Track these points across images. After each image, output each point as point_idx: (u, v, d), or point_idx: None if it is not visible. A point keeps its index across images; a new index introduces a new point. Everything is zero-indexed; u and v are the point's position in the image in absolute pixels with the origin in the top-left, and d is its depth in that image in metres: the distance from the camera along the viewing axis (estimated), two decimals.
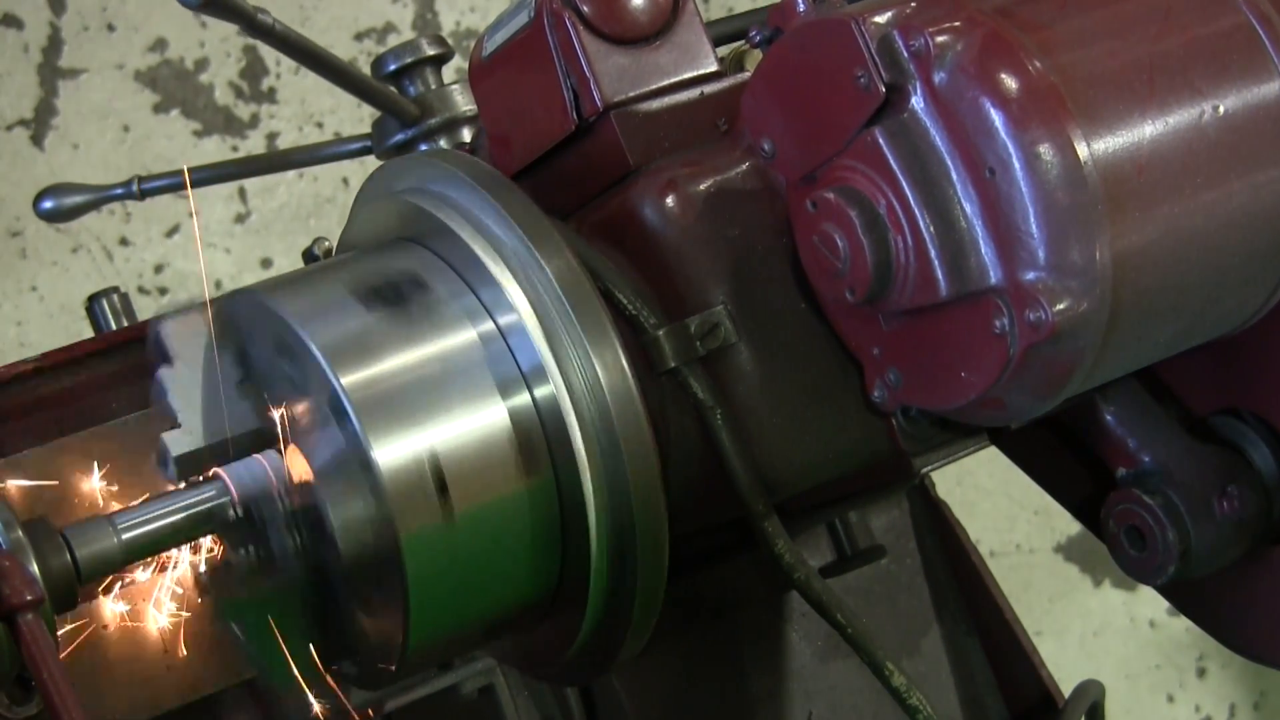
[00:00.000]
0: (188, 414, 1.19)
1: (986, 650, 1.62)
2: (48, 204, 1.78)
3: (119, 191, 1.81)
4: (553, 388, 1.15)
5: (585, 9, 1.28)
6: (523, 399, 1.15)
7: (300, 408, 1.14)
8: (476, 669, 1.48)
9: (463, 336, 1.16)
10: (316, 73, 1.66)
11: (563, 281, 1.15)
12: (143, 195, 1.80)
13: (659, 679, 1.46)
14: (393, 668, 1.17)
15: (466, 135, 1.75)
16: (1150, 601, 3.42)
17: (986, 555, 1.78)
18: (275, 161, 1.87)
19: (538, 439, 1.15)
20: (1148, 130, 1.11)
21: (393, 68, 1.76)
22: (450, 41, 2.03)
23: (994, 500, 3.31)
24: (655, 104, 1.29)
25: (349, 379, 1.11)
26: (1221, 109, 1.13)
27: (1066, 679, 1.63)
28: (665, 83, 1.30)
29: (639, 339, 1.22)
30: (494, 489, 1.14)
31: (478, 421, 1.14)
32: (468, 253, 1.18)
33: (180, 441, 1.19)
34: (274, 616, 1.17)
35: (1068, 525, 3.39)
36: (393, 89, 1.73)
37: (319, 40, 2.99)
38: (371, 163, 1.83)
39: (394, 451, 1.10)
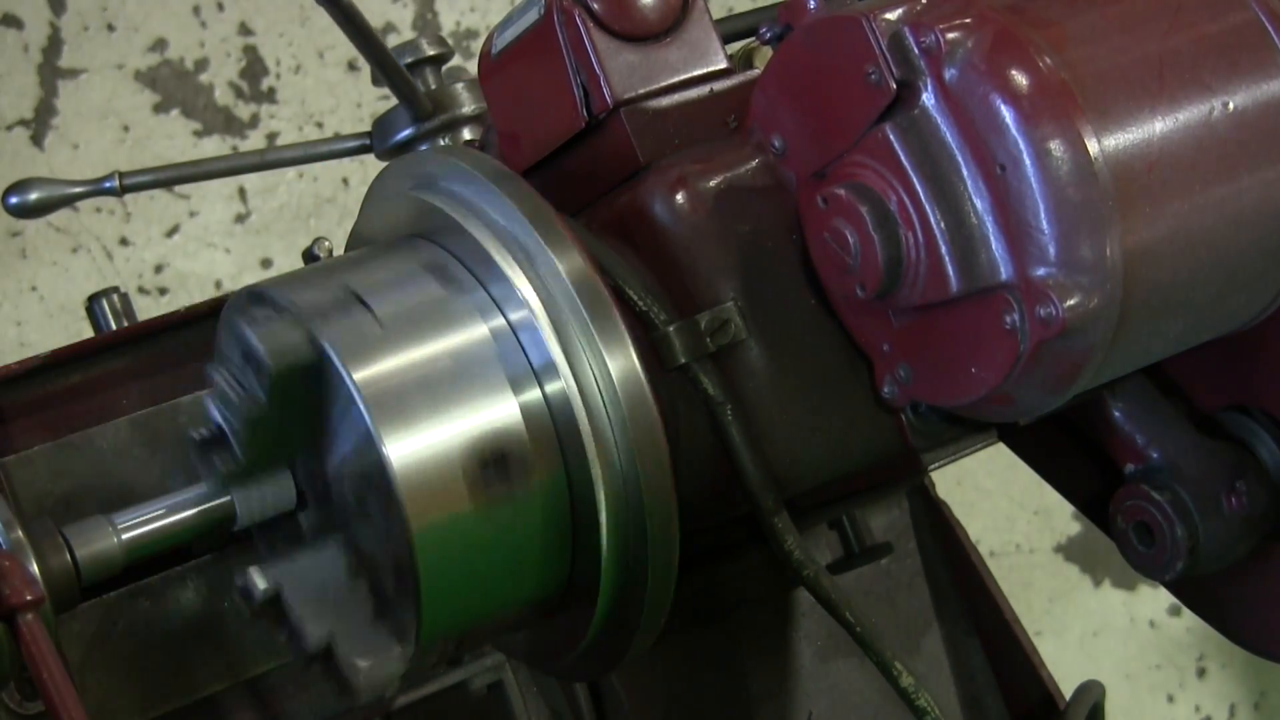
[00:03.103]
0: (246, 444, 1.17)
1: (986, 650, 1.62)
2: (13, 199, 1.75)
3: (98, 187, 1.78)
4: (564, 384, 1.15)
5: (595, 6, 1.28)
6: (534, 395, 1.15)
7: (311, 403, 1.14)
8: (485, 665, 1.48)
9: (474, 332, 1.16)
10: (359, 49, 1.65)
11: (574, 278, 1.15)
12: (124, 191, 1.78)
13: (659, 678, 1.46)
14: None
15: (467, 135, 1.75)
16: (1150, 601, 3.43)
17: (986, 555, 1.79)
18: (269, 159, 1.86)
19: (549, 434, 1.15)
20: (1158, 127, 1.11)
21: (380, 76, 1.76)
22: (450, 41, 2.03)
23: (994, 500, 3.32)
24: (665, 101, 1.29)
25: (360, 374, 1.11)
26: (1231, 105, 1.13)
27: (1066, 679, 1.63)
28: (675, 80, 1.30)
29: (649, 335, 1.23)
30: (505, 485, 1.14)
31: (489, 417, 1.14)
32: (478, 249, 1.18)
33: (225, 460, 1.17)
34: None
35: (1068, 525, 3.40)
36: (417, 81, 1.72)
37: (319, 40, 3.00)
38: (371, 162, 1.83)
39: (405, 446, 1.10)
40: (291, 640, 1.14)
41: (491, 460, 1.13)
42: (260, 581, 1.14)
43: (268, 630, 1.17)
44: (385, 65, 1.67)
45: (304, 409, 1.14)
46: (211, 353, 1.22)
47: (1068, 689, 1.62)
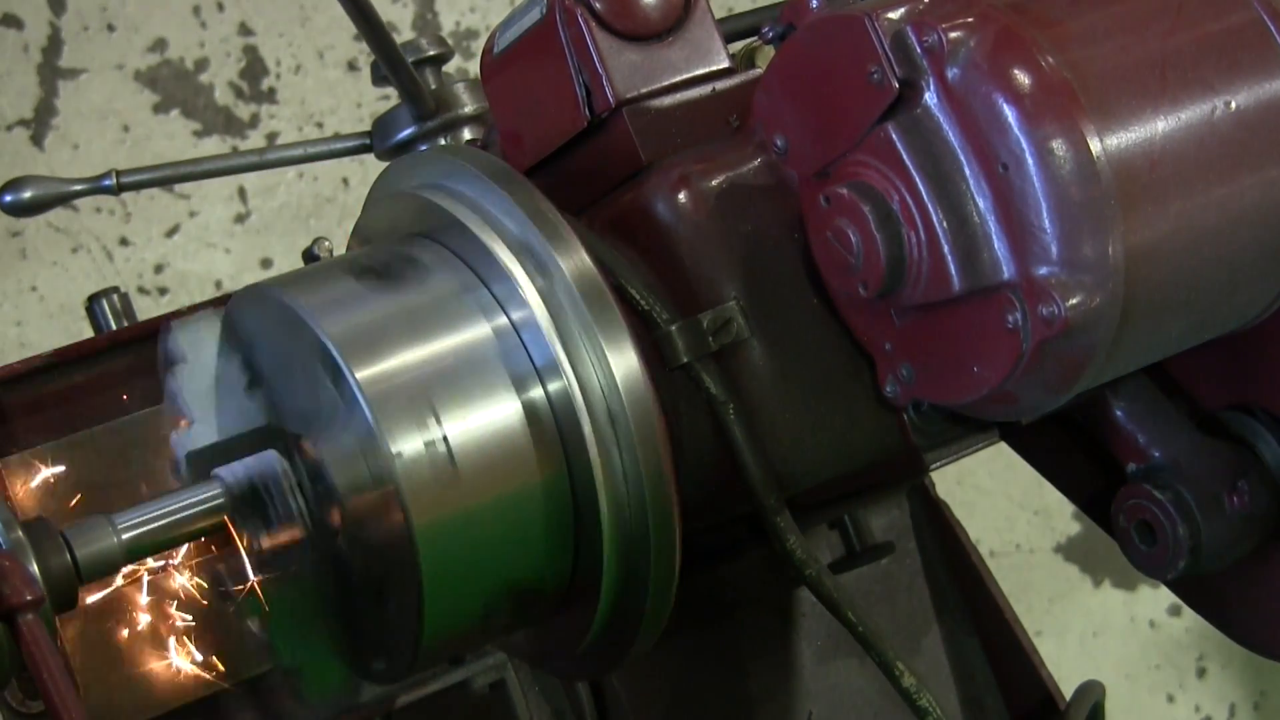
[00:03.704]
0: (201, 415, 1.18)
1: (986, 650, 1.62)
2: (8, 198, 1.74)
3: (94, 185, 1.77)
4: (566, 383, 1.15)
5: (598, 5, 1.28)
6: (536, 393, 1.15)
7: (313, 402, 1.14)
8: (488, 664, 1.48)
9: (476, 331, 1.16)
10: (368, 41, 1.65)
11: (576, 277, 1.15)
12: (121, 189, 1.78)
13: (659, 678, 1.46)
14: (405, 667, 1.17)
15: (468, 134, 1.75)
16: (1150, 601, 3.43)
17: (986, 555, 1.78)
18: (268, 159, 1.86)
19: (551, 433, 1.15)
20: (1160, 126, 1.11)
21: (386, 71, 1.75)
22: (450, 41, 2.03)
23: (994, 500, 3.32)
24: (667, 100, 1.29)
25: (362, 372, 1.11)
26: (1234, 104, 1.13)
27: (1066, 679, 1.63)
28: (677, 79, 1.30)
29: (651, 334, 1.23)
30: (507, 483, 1.14)
31: (491, 415, 1.14)
32: (481, 248, 1.18)
33: (191, 441, 1.18)
34: (293, 610, 1.17)
35: (1068, 525, 3.40)
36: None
37: (319, 40, 3.00)
38: (371, 162, 1.83)
39: (407, 445, 1.10)
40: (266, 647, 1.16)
41: (493, 458, 1.13)
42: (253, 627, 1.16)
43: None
44: (393, 61, 1.67)
45: (238, 375, 1.17)
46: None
47: (1068, 689, 1.62)
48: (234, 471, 1.17)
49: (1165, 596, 3.41)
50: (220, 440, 1.20)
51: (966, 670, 1.61)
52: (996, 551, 3.35)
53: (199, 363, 1.21)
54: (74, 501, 1.38)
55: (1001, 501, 3.33)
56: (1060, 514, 3.38)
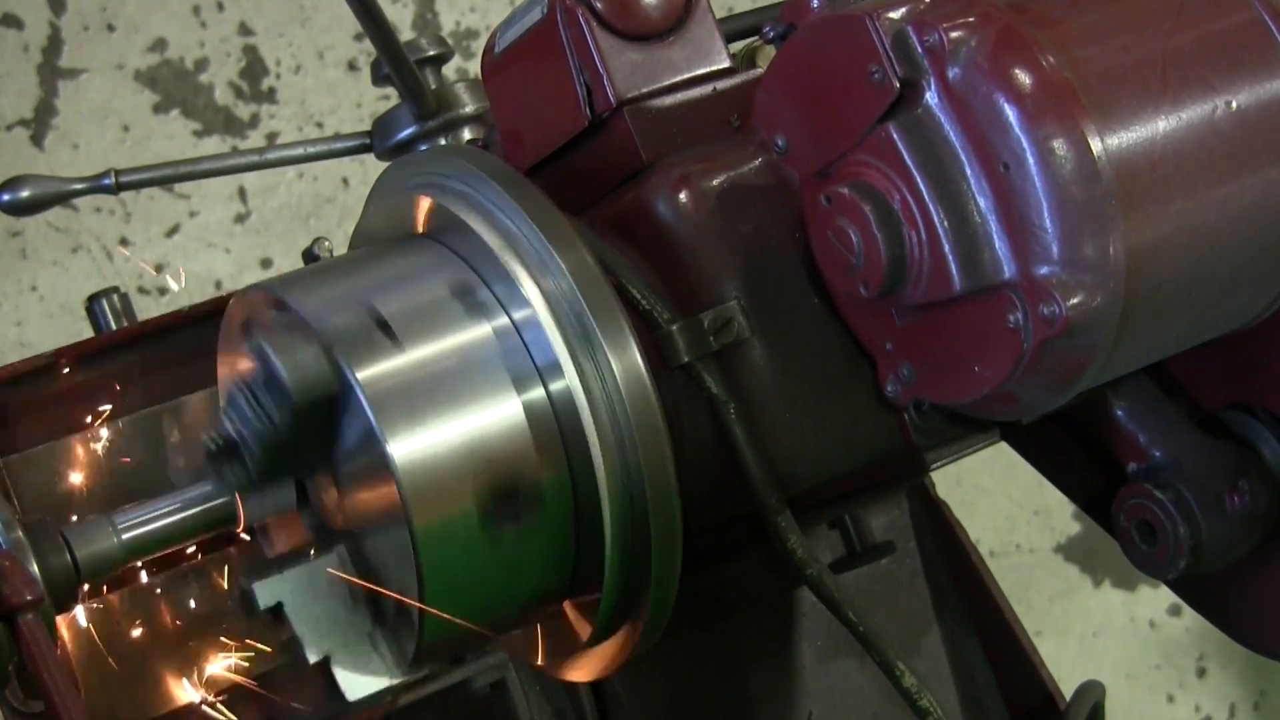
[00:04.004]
0: (260, 460, 1.16)
1: (986, 650, 1.62)
2: (5, 196, 1.74)
3: (93, 184, 1.77)
4: (568, 383, 1.15)
5: (599, 5, 1.28)
6: (538, 393, 1.15)
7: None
8: (488, 663, 1.48)
9: (478, 331, 1.16)
10: (373, 39, 1.64)
11: (577, 277, 1.15)
12: (120, 189, 1.78)
13: (659, 678, 1.46)
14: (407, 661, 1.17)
15: (468, 134, 1.75)
16: (1150, 602, 3.43)
17: (986, 555, 1.78)
18: (268, 158, 1.86)
19: (553, 433, 1.15)
20: (1161, 125, 1.11)
21: (388, 69, 1.76)
22: (450, 41, 2.03)
23: (994, 500, 3.32)
24: (668, 100, 1.30)
25: (363, 373, 1.11)
26: (1234, 104, 1.13)
27: (1066, 679, 1.63)
28: (678, 79, 1.30)
29: (652, 334, 1.23)
30: (509, 483, 1.14)
31: (493, 415, 1.14)
32: (482, 248, 1.18)
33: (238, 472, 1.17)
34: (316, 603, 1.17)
35: (1068, 525, 3.40)
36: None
37: (319, 40, 3.00)
38: (371, 162, 1.83)
39: (409, 445, 1.10)
40: (292, 644, 1.14)
41: (501, 477, 1.13)
42: (263, 595, 1.15)
43: (271, 628, 1.17)
44: (397, 59, 1.67)
45: (319, 429, 1.14)
46: (215, 352, 1.22)
47: (1068, 689, 1.62)
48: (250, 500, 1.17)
49: (1165, 596, 3.41)
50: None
51: (966, 670, 1.61)
52: (996, 551, 3.35)
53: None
54: (74, 501, 1.38)
55: (1001, 501, 3.33)
56: (1060, 514, 3.38)
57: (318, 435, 1.14)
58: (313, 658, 1.13)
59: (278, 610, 1.14)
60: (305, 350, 1.11)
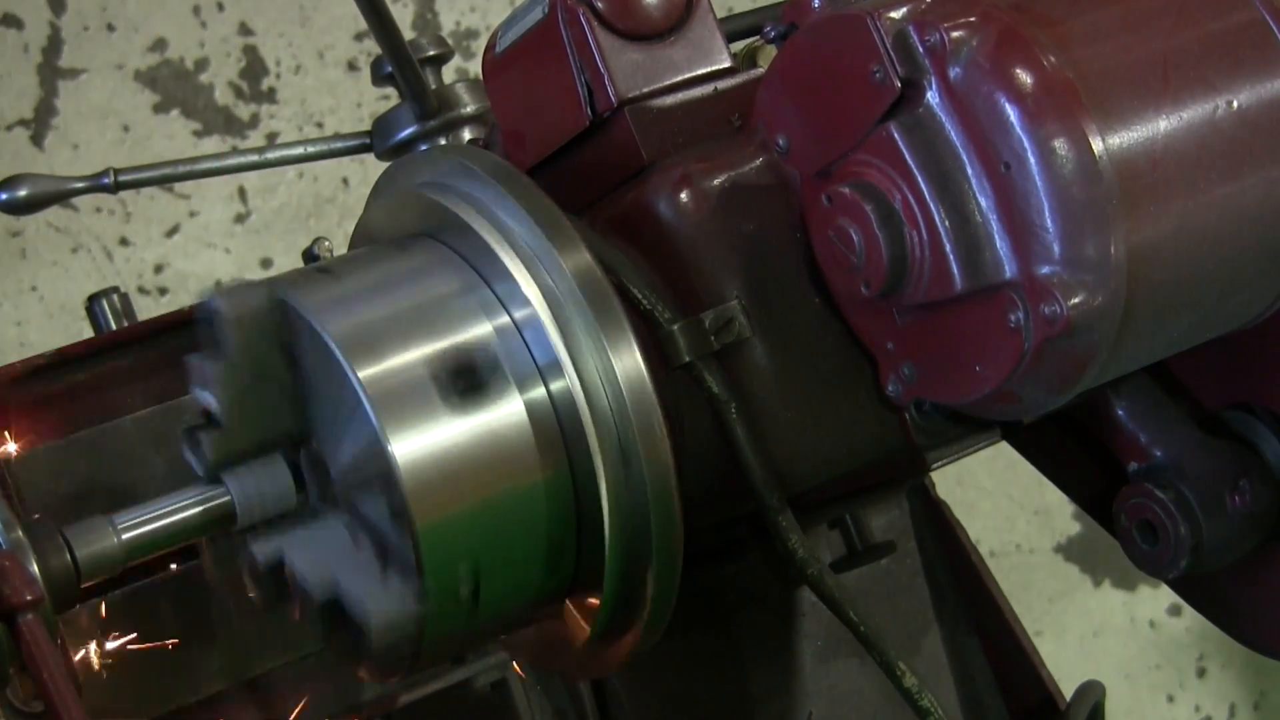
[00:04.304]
0: (230, 412, 1.16)
1: (986, 650, 1.62)
2: (3, 195, 1.74)
3: (92, 183, 1.76)
4: (568, 382, 1.15)
5: (600, 5, 1.28)
6: (539, 393, 1.15)
7: (320, 404, 1.14)
8: (489, 663, 1.48)
9: (478, 330, 1.16)
10: (378, 37, 1.64)
11: (578, 276, 1.15)
12: (119, 188, 1.78)
13: (659, 677, 1.46)
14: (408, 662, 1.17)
15: (468, 134, 1.75)
16: (1150, 601, 3.43)
17: (986, 555, 1.79)
18: (267, 158, 1.86)
19: (553, 433, 1.15)
20: (1162, 125, 1.11)
21: (392, 68, 1.76)
22: (450, 41, 2.03)
23: (994, 500, 3.32)
24: (669, 100, 1.29)
25: (365, 371, 1.11)
26: (1235, 104, 1.13)
27: (1066, 679, 1.63)
28: (679, 78, 1.30)
29: (653, 334, 1.23)
30: (510, 482, 1.14)
31: (494, 415, 1.14)
32: (483, 247, 1.18)
33: (215, 441, 1.17)
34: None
35: (1068, 525, 3.40)
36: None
37: (319, 40, 3.00)
38: (371, 162, 1.83)
39: (410, 444, 1.10)
40: (299, 603, 1.13)
41: (496, 457, 1.13)
42: (262, 550, 1.13)
43: (273, 626, 1.17)
44: (400, 58, 1.66)
45: (279, 371, 1.14)
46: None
47: (1068, 689, 1.62)
48: (241, 480, 1.17)
49: (1165, 597, 3.41)
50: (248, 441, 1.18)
51: (966, 670, 1.61)
52: (996, 551, 3.35)
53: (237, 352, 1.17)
54: (75, 501, 1.38)
55: (1001, 501, 3.33)
56: (1060, 514, 3.38)
57: (278, 377, 1.14)
58: (320, 595, 1.12)
59: (279, 562, 1.13)
60: (246, 289, 1.11)
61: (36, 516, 1.22)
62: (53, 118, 2.89)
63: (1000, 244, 1.12)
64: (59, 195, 1.75)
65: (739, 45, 1.44)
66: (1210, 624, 1.41)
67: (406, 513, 1.10)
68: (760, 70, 1.32)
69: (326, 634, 1.15)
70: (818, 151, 1.21)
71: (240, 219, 2.97)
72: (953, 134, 1.13)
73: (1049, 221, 1.09)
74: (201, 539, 1.19)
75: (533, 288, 1.16)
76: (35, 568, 1.10)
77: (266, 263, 2.97)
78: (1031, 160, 1.09)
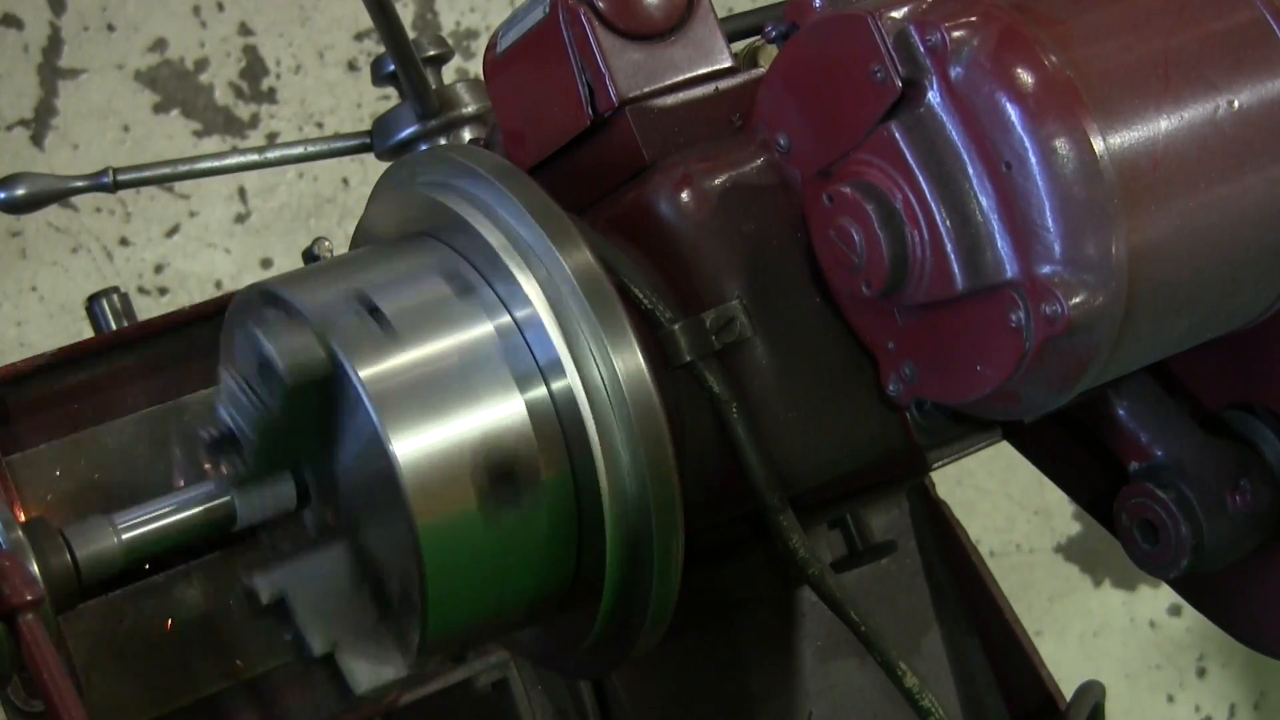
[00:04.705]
0: (256, 451, 1.16)
1: (986, 650, 1.62)
2: (1, 194, 1.73)
3: (91, 182, 1.76)
4: (569, 382, 1.15)
5: (601, 5, 1.28)
6: (540, 392, 1.15)
7: (335, 428, 1.14)
8: (490, 663, 1.48)
9: (479, 330, 1.16)
10: (383, 35, 1.64)
11: (579, 276, 1.15)
12: (117, 187, 1.78)
13: (659, 677, 1.46)
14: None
15: (468, 134, 1.75)
16: (1150, 601, 3.43)
17: (986, 555, 1.79)
18: (267, 158, 1.85)
19: (554, 432, 1.15)
20: (1163, 125, 1.11)
21: (393, 68, 1.76)
22: (450, 41, 2.03)
23: (994, 500, 3.32)
24: (670, 99, 1.30)
25: (365, 371, 1.11)
26: (1236, 104, 1.13)
27: (1066, 679, 1.63)
28: (680, 78, 1.30)
29: (654, 333, 1.23)
30: (512, 482, 1.14)
31: (495, 414, 1.14)
32: (484, 246, 1.18)
33: (235, 463, 1.17)
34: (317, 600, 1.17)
35: (1068, 525, 3.40)
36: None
37: (319, 40, 3.00)
38: (371, 162, 1.83)
39: (411, 444, 1.10)
40: (295, 642, 1.14)
41: (499, 460, 1.13)
42: (265, 587, 1.14)
43: (272, 628, 1.17)
44: (404, 56, 1.66)
45: (313, 417, 1.14)
46: (217, 351, 1.22)
47: (1068, 689, 1.62)
48: (248, 496, 1.17)
49: (1165, 597, 3.41)
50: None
51: (966, 670, 1.61)
52: (996, 551, 3.35)
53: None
54: (75, 501, 1.38)
55: (1001, 501, 3.33)
56: (1060, 514, 3.38)
57: (312, 423, 1.14)
58: (318, 650, 1.12)
59: (280, 604, 1.14)
60: (297, 333, 1.11)
61: (37, 516, 1.22)
62: (53, 118, 2.89)
63: (1001, 244, 1.12)
64: (58, 194, 1.75)
65: (740, 45, 1.44)
66: (1210, 624, 1.41)
67: (409, 516, 1.09)
68: (761, 70, 1.32)
69: (313, 663, 1.16)
70: (819, 151, 1.21)
71: (240, 219, 2.97)
72: (954, 134, 1.13)
73: (1050, 221, 1.09)
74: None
75: (534, 287, 1.16)
76: (35, 568, 1.10)
77: (266, 263, 2.97)
78: (1032, 160, 1.09)
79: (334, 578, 1.15)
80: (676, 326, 1.23)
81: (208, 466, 1.17)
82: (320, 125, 3.01)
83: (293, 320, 1.13)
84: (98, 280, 2.86)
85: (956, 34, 1.12)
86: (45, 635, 1.06)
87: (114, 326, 1.52)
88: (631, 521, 1.15)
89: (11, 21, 2.88)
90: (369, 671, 1.13)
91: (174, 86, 2.95)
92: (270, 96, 3.00)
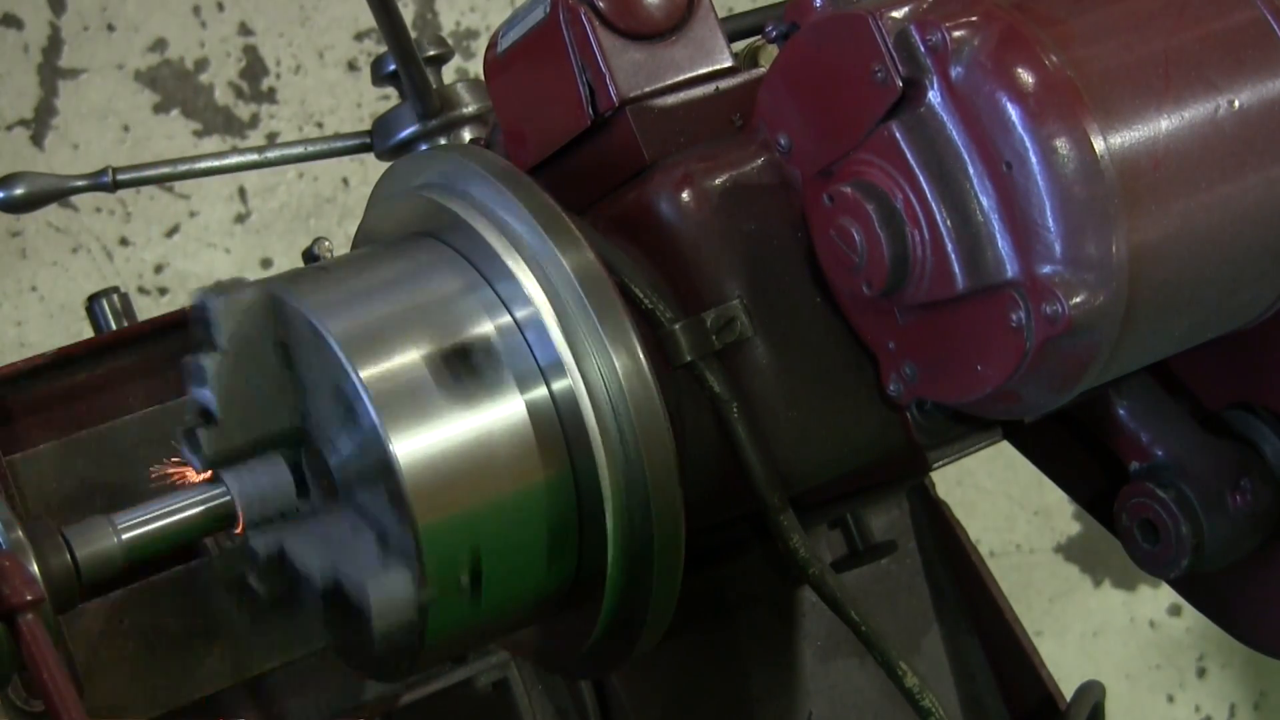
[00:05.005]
0: (226, 407, 1.16)
1: (986, 650, 1.62)
2: (0, 194, 1.73)
3: (91, 182, 1.76)
4: (570, 381, 1.15)
5: (601, 5, 1.28)
6: (540, 392, 1.15)
7: (320, 402, 1.14)
8: (491, 663, 1.48)
9: (481, 330, 1.16)
10: (385, 33, 1.64)
11: (580, 276, 1.15)
12: (117, 186, 1.77)
13: (659, 677, 1.46)
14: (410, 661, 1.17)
15: (468, 134, 1.75)
16: (1150, 601, 3.43)
17: (986, 555, 1.79)
18: (267, 157, 1.85)
19: (555, 432, 1.15)
20: (1163, 125, 1.11)
21: (392, 68, 1.76)
22: (450, 41, 2.03)
23: (994, 500, 3.32)
24: (670, 99, 1.30)
25: (366, 371, 1.11)
26: (1237, 104, 1.14)
27: (1066, 679, 1.63)
28: (680, 78, 1.30)
29: (655, 333, 1.23)
30: (512, 482, 1.14)
31: (495, 414, 1.14)
32: (485, 247, 1.18)
33: (212, 437, 1.16)
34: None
35: (1068, 525, 3.40)
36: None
37: (319, 40, 3.00)
38: (371, 162, 1.83)
39: (412, 444, 1.10)
40: (302, 589, 1.13)
41: (498, 457, 1.13)
42: (262, 546, 1.13)
43: (272, 628, 1.17)
44: (406, 55, 1.66)
45: (271, 365, 1.14)
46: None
47: (1068, 689, 1.62)
48: (240, 478, 1.17)
49: (1165, 597, 3.41)
50: (246, 440, 1.18)
51: (966, 670, 1.61)
52: (996, 551, 3.35)
53: (234, 349, 1.16)
54: (75, 501, 1.38)
55: (1001, 501, 3.33)
56: (1060, 514, 3.38)
57: (270, 371, 1.14)
58: (321, 579, 1.11)
59: (279, 555, 1.13)
60: (237, 284, 1.12)
61: (37, 516, 1.22)
62: (53, 118, 2.89)
63: (1002, 243, 1.12)
64: (56, 193, 1.75)
65: (740, 45, 1.44)
66: (1210, 624, 1.41)
67: (408, 509, 1.09)
68: (761, 70, 1.32)
69: (329, 625, 1.14)
70: (819, 151, 1.21)
71: (240, 219, 2.97)
72: (954, 133, 1.13)
73: (1050, 221, 1.09)
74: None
75: (535, 287, 1.16)
76: (35, 568, 1.10)
77: (266, 263, 2.97)
78: (1033, 159, 1.09)
79: (333, 529, 1.14)
80: (677, 326, 1.23)
81: (189, 455, 1.17)
82: (320, 125, 3.01)
83: (233, 281, 1.13)
84: (98, 280, 2.86)
85: (957, 34, 1.12)
86: (45, 635, 1.05)
87: (114, 326, 1.52)
88: (633, 522, 1.15)
89: (11, 21, 2.88)
90: (378, 584, 1.10)
91: (174, 86, 2.95)
92: (270, 96, 3.00)
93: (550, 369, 1.15)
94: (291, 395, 1.16)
